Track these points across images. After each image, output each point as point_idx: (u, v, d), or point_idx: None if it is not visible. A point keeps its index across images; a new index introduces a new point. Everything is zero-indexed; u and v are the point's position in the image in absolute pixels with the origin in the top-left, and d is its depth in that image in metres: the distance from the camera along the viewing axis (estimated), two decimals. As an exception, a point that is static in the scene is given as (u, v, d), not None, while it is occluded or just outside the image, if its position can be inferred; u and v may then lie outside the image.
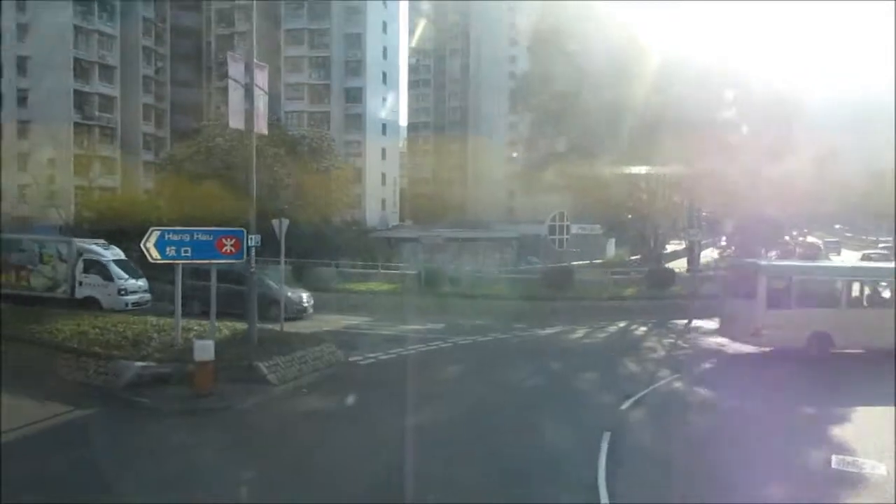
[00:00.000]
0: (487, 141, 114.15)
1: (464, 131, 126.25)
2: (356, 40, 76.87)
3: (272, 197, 47.71)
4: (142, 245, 14.96)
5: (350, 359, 18.15)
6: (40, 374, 14.96)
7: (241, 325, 17.51)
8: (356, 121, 76.93)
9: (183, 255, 15.13)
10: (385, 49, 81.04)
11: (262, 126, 17.23)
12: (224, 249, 15.27)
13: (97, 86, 66.11)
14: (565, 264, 33.03)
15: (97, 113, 66.22)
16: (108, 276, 24.48)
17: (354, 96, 77.02)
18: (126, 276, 24.67)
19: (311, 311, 26.61)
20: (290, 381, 15.27)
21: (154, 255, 14.95)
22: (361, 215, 73.91)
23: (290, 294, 25.30)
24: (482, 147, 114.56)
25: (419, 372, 17.23)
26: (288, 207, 47.55)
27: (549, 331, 25.46)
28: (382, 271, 35.08)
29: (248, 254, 15.97)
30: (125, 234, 30.60)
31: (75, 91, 64.09)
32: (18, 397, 13.35)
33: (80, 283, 24.27)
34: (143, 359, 14.63)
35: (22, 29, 64.05)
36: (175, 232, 15.21)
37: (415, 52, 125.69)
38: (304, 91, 76.51)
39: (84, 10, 64.97)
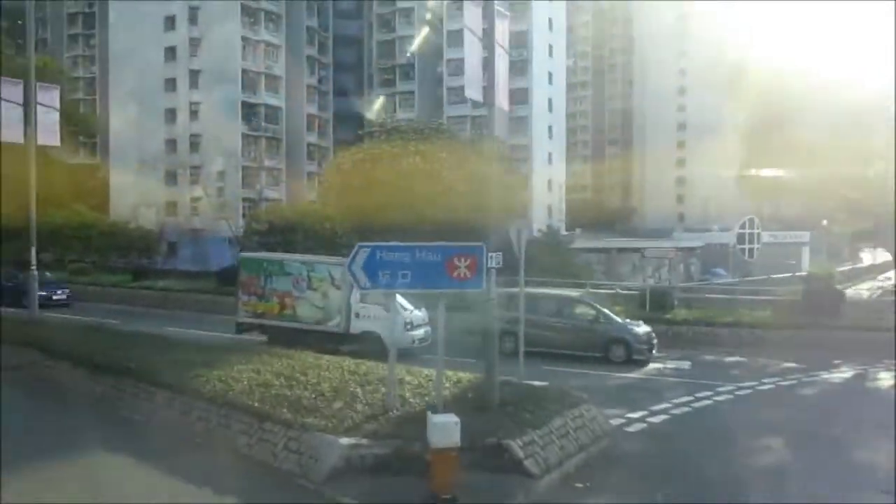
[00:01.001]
0: (654, 144, 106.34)
1: (626, 134, 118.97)
2: (522, 39, 72.23)
3: (443, 206, 43.76)
4: (347, 268, 10.55)
5: (612, 422, 12.95)
6: (209, 442, 10.98)
7: (464, 373, 12.85)
8: (521, 124, 72.22)
9: (401, 281, 10.56)
10: (551, 47, 75.87)
11: (503, 100, 12.48)
12: (456, 273, 10.53)
13: (264, 96, 65.69)
14: (830, 283, 26.08)
15: (263, 124, 65.78)
16: (390, 306, 19.02)
17: (520, 98, 72.30)
18: (411, 307, 19.99)
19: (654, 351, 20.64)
20: (553, 469, 10.30)
21: (363, 280, 10.49)
22: (528, 224, 69.04)
23: (635, 329, 20.42)
24: (649, 150, 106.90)
25: (729, 451, 11.78)
26: (442, 218, 43.81)
27: (838, 374, 19.09)
28: (592, 290, 29.39)
29: (488, 278, 11.21)
30: (306, 249, 27.52)
31: (243, 102, 63.86)
32: (173, 475, 9.46)
33: (358, 315, 19.83)
34: (347, 430, 10.18)
35: (194, 44, 64.74)
36: (390, 250, 10.66)
37: (571, 53, 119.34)
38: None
39: (251, 21, 64.80)
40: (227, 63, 62.95)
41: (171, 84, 65.53)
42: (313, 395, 11.41)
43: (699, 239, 70.57)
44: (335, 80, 76.08)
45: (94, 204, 56.04)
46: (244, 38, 64.13)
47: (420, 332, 19.77)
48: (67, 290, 31.14)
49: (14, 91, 18.08)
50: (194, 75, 64.60)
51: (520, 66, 72.53)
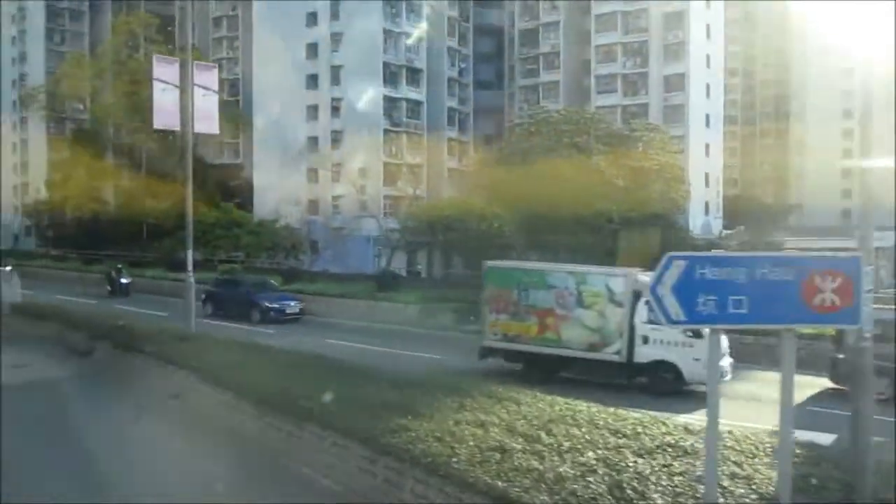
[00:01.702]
0: (814, 133, 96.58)
1: (781, 123, 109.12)
2: (677, 20, 66.49)
3: (599, 198, 39.79)
4: (651, 291, 6.88)
5: None
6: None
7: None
8: (676, 112, 66.42)
9: (734, 313, 6.77)
10: (708, 27, 69.36)
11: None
12: (819, 300, 6.65)
13: (405, 90, 63.63)
14: None
15: (405, 119, 63.76)
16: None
17: (675, 84, 66.61)
18: None
19: None
20: None
21: (673, 311, 6.79)
22: (685, 221, 63.28)
23: None
24: (809, 140, 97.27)
25: None
26: (615, 215, 39.50)
27: None
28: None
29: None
30: (471, 250, 24.34)
31: (384, 97, 62.05)
32: None
33: (646, 340, 15.93)
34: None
35: (335, 39, 63.62)
36: (716, 263, 6.89)
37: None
38: (616, 82, 67.89)
39: (393, 13, 62.89)
40: (369, 57, 61.26)
41: (312, 81, 64.71)
42: (578, 473, 7.81)
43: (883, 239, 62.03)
44: (476, 72, 73.05)
45: (237, 204, 55.91)
46: (385, 31, 62.24)
47: (725, 364, 14.84)
48: (300, 303, 27.17)
49: (169, 70, 15.77)
50: (336, 71, 63.44)
51: (675, 49, 66.92)
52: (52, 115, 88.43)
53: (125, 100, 43.51)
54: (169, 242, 40.37)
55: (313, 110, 64.94)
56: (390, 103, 62.79)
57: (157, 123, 15.87)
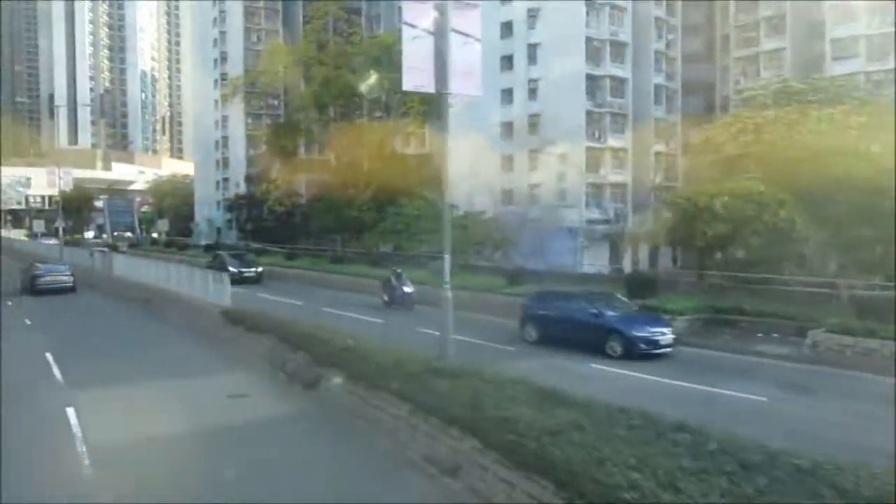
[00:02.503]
0: None
1: None
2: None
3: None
4: None
5: None
6: None
7: None
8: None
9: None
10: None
11: None
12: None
13: (608, 67, 57.79)
14: None
15: (608, 98, 57.96)
16: None
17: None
18: None
19: None
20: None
21: None
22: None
23: None
24: None
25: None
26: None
27: None
28: None
29: None
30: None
31: (586, 75, 56.61)
32: None
33: None
34: None
35: (532, 14, 59.01)
36: None
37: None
38: (858, 45, 57.77)
39: (596, -18, 57.24)
40: (570, 32, 55.97)
41: (507, 62, 60.51)
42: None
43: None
44: (684, 44, 65.50)
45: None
46: (587, 3, 56.69)
47: None
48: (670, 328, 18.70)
49: (422, 13, 11.69)
50: (532, 49, 58.79)
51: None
52: (250, 110, 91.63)
53: (324, 87, 41.55)
54: (370, 237, 37.83)
55: (507, 93, 60.77)
56: (592, 82, 57.21)
57: (408, 84, 11.85)
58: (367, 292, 29.88)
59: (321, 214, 44.99)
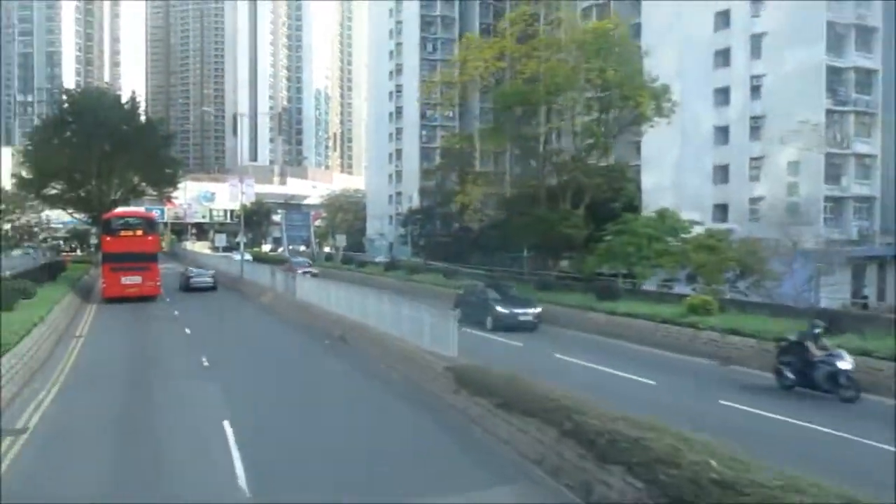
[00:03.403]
0: None
1: None
2: None
3: None
4: None
5: None
6: None
7: None
8: None
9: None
10: None
11: None
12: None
13: (853, 57, 48.17)
14: None
15: (853, 94, 48.32)
16: None
17: None
18: None
19: None
20: None
21: None
22: None
23: None
24: None
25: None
26: None
27: None
28: None
29: None
30: None
31: (827, 67, 47.37)
32: None
33: None
34: None
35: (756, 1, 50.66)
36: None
37: None
38: None
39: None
40: (807, 16, 47.00)
41: (722, 57, 52.42)
42: None
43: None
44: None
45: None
46: (829, -19, 47.59)
47: None
48: None
49: None
50: (756, 40, 50.29)
51: None
52: (426, 122, 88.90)
53: (533, 83, 36.00)
54: (592, 259, 31.54)
55: (722, 94, 52.62)
56: (833, 75, 47.84)
57: None
58: (656, 342, 22.25)
59: (521, 231, 39.32)
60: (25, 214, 44.42)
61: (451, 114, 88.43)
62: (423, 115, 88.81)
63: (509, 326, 24.71)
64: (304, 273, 42.16)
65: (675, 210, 33.19)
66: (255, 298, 38.28)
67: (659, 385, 16.56)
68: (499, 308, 25.53)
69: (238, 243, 57.30)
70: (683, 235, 30.91)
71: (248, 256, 60.37)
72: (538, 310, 26.11)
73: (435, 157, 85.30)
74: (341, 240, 76.34)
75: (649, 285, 30.97)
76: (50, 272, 39.58)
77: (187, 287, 43.01)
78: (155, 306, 35.67)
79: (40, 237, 57.01)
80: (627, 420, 9.56)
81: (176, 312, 32.28)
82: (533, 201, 39.07)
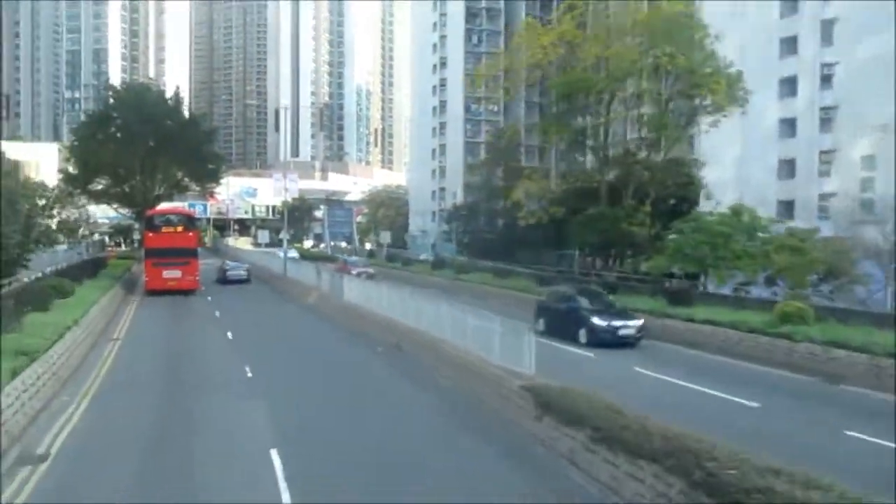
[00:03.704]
0: None
1: None
2: None
3: None
4: None
5: None
6: None
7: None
8: None
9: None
10: None
11: None
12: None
13: (935, 43, 44.78)
14: None
15: (934, 83, 44.93)
16: None
17: None
18: None
19: None
20: None
21: None
22: None
23: None
24: None
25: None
26: None
27: None
28: None
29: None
30: None
31: (908, 54, 44.07)
32: None
33: None
34: None
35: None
36: None
37: None
38: None
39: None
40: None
41: (788, 44, 49.40)
42: None
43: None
44: None
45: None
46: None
47: None
48: None
49: None
50: (827, 26, 47.20)
51: None
52: (470, 116, 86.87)
53: (596, 70, 33.75)
54: (660, 259, 29.19)
55: (788, 84, 49.58)
56: (914, 63, 44.53)
57: None
58: (744, 354, 19.74)
59: (579, 228, 37.02)
60: (66, 210, 43.85)
61: (495, 108, 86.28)
62: (467, 109, 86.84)
63: (607, 342, 21.48)
64: (360, 273, 40.51)
65: (751, 207, 30.42)
66: (300, 299, 36.65)
67: (764, 408, 14.35)
68: (595, 320, 22.07)
69: (281, 240, 56.07)
70: (761, 234, 28.32)
71: (294, 253, 59.07)
72: (640, 322, 22.51)
73: (479, 153, 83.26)
74: (385, 237, 74.61)
75: (721, 288, 28.51)
76: (92, 268, 38.93)
77: (224, 279, 46.25)
78: (195, 304, 34.59)
79: (81, 232, 56.63)
80: (781, 473, 7.50)
81: (217, 313, 30.91)
82: (591, 197, 36.77)
